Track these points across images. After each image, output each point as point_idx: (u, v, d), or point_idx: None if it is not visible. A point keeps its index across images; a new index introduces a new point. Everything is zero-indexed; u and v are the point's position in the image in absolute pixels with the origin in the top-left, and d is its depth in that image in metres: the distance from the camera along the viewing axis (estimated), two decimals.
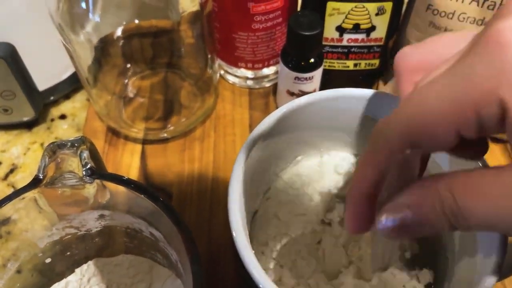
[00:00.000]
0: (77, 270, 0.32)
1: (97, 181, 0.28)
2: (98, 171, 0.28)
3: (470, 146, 0.19)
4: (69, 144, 0.28)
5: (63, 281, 0.32)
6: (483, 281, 0.21)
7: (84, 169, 0.27)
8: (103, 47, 0.41)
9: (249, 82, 0.47)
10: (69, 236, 0.31)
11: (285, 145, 0.31)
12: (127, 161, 0.42)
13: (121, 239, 0.33)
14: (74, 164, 0.27)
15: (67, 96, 0.47)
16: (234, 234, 0.23)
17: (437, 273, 0.29)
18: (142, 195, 0.27)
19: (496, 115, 0.16)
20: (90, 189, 0.28)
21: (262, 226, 0.32)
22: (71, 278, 0.32)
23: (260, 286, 0.21)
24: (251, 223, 0.32)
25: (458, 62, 0.17)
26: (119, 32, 0.42)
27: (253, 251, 0.23)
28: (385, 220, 0.19)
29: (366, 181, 0.20)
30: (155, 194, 0.27)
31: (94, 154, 0.31)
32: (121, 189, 0.28)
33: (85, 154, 0.28)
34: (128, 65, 0.45)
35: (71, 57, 0.38)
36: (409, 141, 0.18)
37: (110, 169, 0.41)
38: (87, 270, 0.32)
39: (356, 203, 0.20)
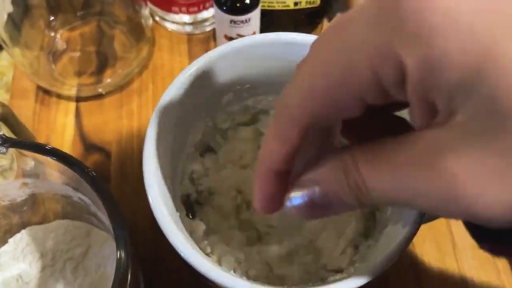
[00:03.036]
0: (11, 240, 0.31)
1: (13, 149, 0.26)
2: (10, 139, 0.26)
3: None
4: None
5: None
6: (407, 225, 0.21)
7: None
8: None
9: (188, 28, 0.44)
10: None
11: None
12: (61, 121, 0.40)
13: (54, 205, 0.31)
14: None
15: None
16: (150, 200, 0.21)
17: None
18: (59, 161, 0.25)
19: (395, 76, 0.14)
20: (5, 158, 0.26)
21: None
22: (4, 248, 0.31)
23: (182, 255, 0.20)
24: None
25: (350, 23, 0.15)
26: None
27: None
28: (293, 198, 0.17)
29: (273, 157, 0.18)
30: (72, 160, 0.25)
31: (11, 119, 0.29)
32: (40, 155, 0.26)
33: None
34: (53, 17, 0.41)
35: None
36: (312, 114, 0.16)
37: (43, 131, 0.39)
38: (21, 239, 0.31)
39: (263, 181, 0.19)
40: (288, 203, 0.18)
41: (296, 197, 0.17)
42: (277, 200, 0.18)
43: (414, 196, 0.14)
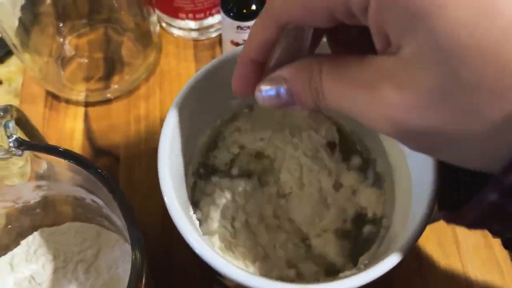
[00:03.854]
0: (23, 242, 0.32)
1: (28, 152, 0.27)
2: (26, 142, 0.26)
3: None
4: None
5: (9, 254, 0.31)
6: (412, 227, 0.22)
7: (10, 140, 0.26)
8: (31, 6, 0.39)
9: (194, 34, 0.45)
10: (6, 209, 0.30)
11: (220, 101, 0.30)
12: (70, 126, 0.40)
13: (65, 207, 0.32)
14: None
15: (0, 60, 0.44)
16: (166, 200, 0.22)
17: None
18: (74, 163, 0.26)
19: (360, 3, 0.16)
20: (21, 161, 0.27)
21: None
22: (17, 250, 0.31)
23: (197, 252, 0.21)
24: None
25: None
26: None
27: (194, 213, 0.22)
28: (263, 88, 0.20)
29: (253, 44, 0.20)
30: (87, 162, 0.26)
31: (24, 123, 0.29)
32: (54, 158, 0.27)
33: (11, 124, 0.26)
34: (61, 24, 0.42)
35: None
36: (289, 15, 0.18)
37: (52, 135, 0.40)
38: (33, 241, 0.32)
39: (243, 63, 0.21)
40: (258, 92, 0.20)
41: (266, 89, 0.20)
42: (250, 84, 0.21)
43: (354, 109, 0.17)
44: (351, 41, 0.21)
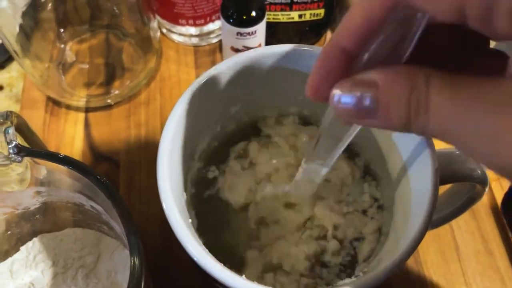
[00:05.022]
0: (22, 248, 0.32)
1: (27, 158, 0.27)
2: (25, 148, 0.26)
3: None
4: None
5: (9, 260, 0.31)
6: (413, 233, 0.22)
7: (9, 146, 0.26)
8: (32, 12, 0.39)
9: (194, 40, 0.45)
10: (6, 215, 0.30)
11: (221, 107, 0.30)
12: (71, 131, 0.40)
13: (65, 213, 0.32)
14: None
15: (1, 66, 0.45)
16: (164, 206, 0.22)
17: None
18: (73, 170, 0.26)
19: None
20: (20, 167, 0.27)
21: None
22: (16, 256, 0.31)
23: (195, 259, 0.21)
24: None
25: None
26: None
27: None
28: (342, 91, 0.16)
29: (348, 27, 0.17)
30: (86, 168, 0.26)
31: (24, 129, 0.30)
32: (54, 164, 0.27)
33: (11, 130, 0.26)
34: (62, 30, 0.42)
35: None
36: None
37: (53, 141, 0.40)
38: (32, 247, 0.32)
39: (328, 55, 0.17)
40: (335, 93, 0.16)
41: (347, 91, 0.16)
42: (330, 82, 0.17)
43: (476, 135, 0.14)
44: (436, 50, 0.17)
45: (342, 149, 0.22)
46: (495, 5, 0.13)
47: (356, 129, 0.20)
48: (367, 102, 0.15)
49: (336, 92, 0.16)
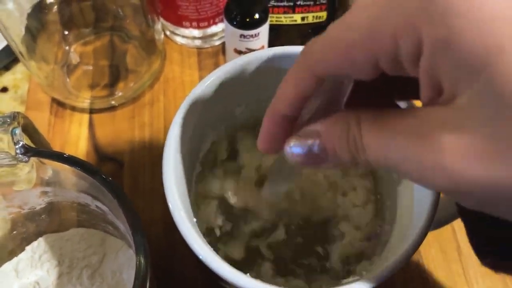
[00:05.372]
0: (28, 248, 0.32)
1: (34, 158, 0.27)
2: (32, 148, 0.27)
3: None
4: (0, 121, 0.27)
5: (14, 259, 0.32)
6: (415, 233, 0.22)
7: (16, 147, 0.26)
8: (37, 14, 0.39)
9: (197, 42, 0.45)
10: (12, 215, 0.30)
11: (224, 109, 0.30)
12: (75, 132, 0.41)
13: (70, 213, 0.32)
14: (5, 142, 0.26)
15: (6, 68, 0.45)
16: (170, 206, 0.22)
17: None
18: (79, 170, 0.26)
19: (412, 49, 0.15)
20: (27, 167, 0.27)
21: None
22: (22, 256, 0.32)
23: (201, 258, 0.21)
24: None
25: None
26: None
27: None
28: (293, 144, 0.19)
29: (284, 99, 0.19)
30: (92, 168, 0.26)
31: (31, 130, 0.30)
32: (60, 164, 0.27)
33: (18, 131, 0.27)
34: (67, 32, 0.42)
35: None
36: (329, 64, 0.17)
37: (57, 141, 0.40)
38: (37, 247, 0.32)
39: (270, 120, 0.20)
40: (287, 148, 0.19)
41: (297, 144, 0.19)
42: (278, 142, 0.20)
43: (404, 162, 0.15)
44: (366, 93, 0.20)
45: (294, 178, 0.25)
46: (399, 55, 0.15)
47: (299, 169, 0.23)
48: (315, 149, 0.18)
49: (288, 146, 0.19)
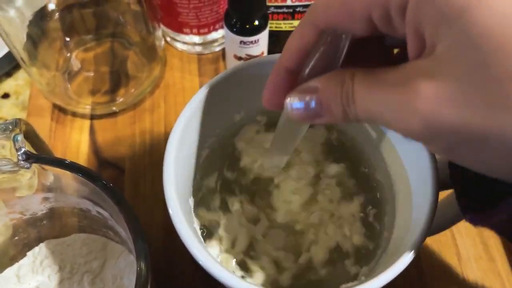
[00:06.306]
0: (29, 254, 0.32)
1: (35, 164, 0.27)
2: (34, 155, 0.27)
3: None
4: (2, 127, 0.27)
5: (16, 265, 0.32)
6: (413, 238, 0.22)
7: (18, 153, 0.26)
8: (39, 21, 0.39)
9: (198, 48, 0.46)
10: (14, 220, 0.30)
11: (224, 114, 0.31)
12: (76, 138, 0.41)
13: (71, 219, 0.32)
14: (7, 149, 0.26)
15: (8, 74, 0.45)
16: (170, 212, 0.22)
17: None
18: (81, 176, 0.26)
19: (400, 2, 0.16)
20: (29, 173, 0.27)
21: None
22: (23, 262, 0.32)
23: (201, 263, 0.21)
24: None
25: None
26: (53, 4, 0.40)
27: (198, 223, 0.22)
28: (293, 99, 0.20)
29: (289, 52, 0.20)
30: (93, 174, 0.26)
31: (33, 136, 0.30)
32: (61, 170, 0.28)
33: (20, 137, 0.27)
34: (68, 39, 0.43)
35: (1, 36, 0.36)
36: (328, 18, 0.18)
37: (59, 147, 0.40)
38: (39, 252, 0.32)
39: (276, 73, 0.21)
40: (287, 102, 0.20)
41: (296, 98, 0.20)
42: (282, 96, 0.21)
43: (385, 111, 0.17)
44: (370, 58, 0.21)
45: (297, 142, 0.25)
46: (390, 9, 0.17)
47: (306, 127, 0.23)
48: (312, 104, 0.19)
49: (288, 101, 0.20)
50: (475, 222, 0.20)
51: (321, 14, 0.19)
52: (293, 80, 0.21)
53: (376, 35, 0.19)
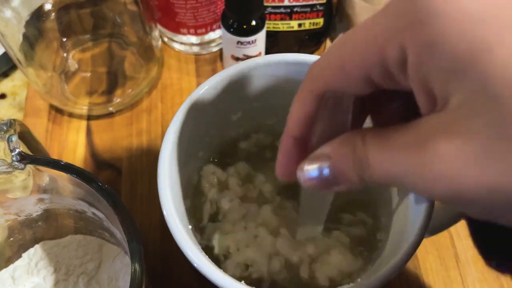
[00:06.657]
0: (24, 255, 0.32)
1: (30, 165, 0.27)
2: (28, 156, 0.27)
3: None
4: None
5: (11, 267, 0.32)
6: (410, 239, 0.22)
7: (12, 154, 0.26)
8: (35, 22, 0.39)
9: (195, 48, 0.45)
10: (9, 222, 0.30)
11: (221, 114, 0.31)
12: (73, 139, 0.41)
13: (67, 220, 0.32)
14: (1, 149, 0.26)
15: (5, 74, 0.45)
16: (165, 213, 0.22)
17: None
18: (76, 177, 0.26)
19: (398, 56, 0.15)
20: (23, 174, 0.27)
21: None
22: (18, 263, 0.32)
23: (195, 265, 0.21)
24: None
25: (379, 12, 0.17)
26: (49, 4, 0.39)
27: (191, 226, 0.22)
28: (305, 168, 0.19)
29: (294, 120, 0.20)
30: (88, 175, 0.26)
31: (28, 137, 0.30)
32: (56, 171, 0.27)
33: (14, 138, 0.27)
34: (65, 39, 0.43)
35: None
36: (326, 82, 0.18)
37: (55, 148, 0.40)
38: (34, 254, 0.32)
39: (285, 143, 0.21)
40: (300, 172, 0.19)
41: (309, 168, 0.19)
42: (294, 167, 0.20)
43: (406, 175, 0.15)
44: (394, 114, 0.20)
45: (326, 210, 0.24)
46: (388, 66, 0.15)
47: (330, 195, 0.23)
48: (326, 172, 0.18)
49: (301, 172, 0.19)
50: (502, 269, 0.19)
51: (318, 79, 0.18)
52: (304, 148, 0.20)
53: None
